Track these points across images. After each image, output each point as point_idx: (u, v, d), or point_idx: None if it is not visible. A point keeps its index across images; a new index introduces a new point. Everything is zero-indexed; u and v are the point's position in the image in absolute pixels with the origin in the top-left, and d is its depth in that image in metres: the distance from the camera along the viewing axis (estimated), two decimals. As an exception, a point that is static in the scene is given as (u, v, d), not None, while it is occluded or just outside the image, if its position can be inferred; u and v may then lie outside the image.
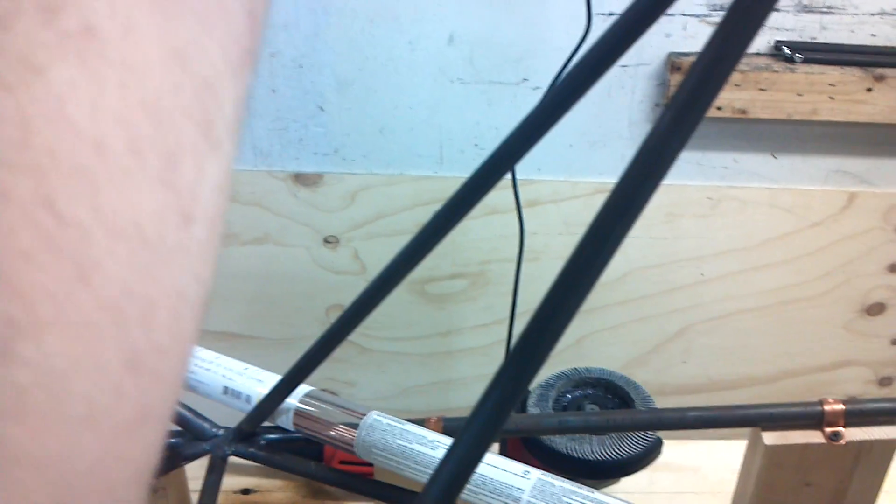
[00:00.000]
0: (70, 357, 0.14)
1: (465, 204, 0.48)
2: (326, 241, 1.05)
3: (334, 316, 1.07)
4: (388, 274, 0.52)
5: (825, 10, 0.95)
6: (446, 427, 0.57)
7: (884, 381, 1.15)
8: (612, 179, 1.11)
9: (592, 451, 0.61)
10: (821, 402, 0.54)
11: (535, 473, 0.49)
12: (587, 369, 0.67)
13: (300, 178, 1.02)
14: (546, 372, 0.70)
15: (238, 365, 0.60)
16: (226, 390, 0.59)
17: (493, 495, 0.49)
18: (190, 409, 0.61)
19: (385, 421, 0.54)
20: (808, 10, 0.95)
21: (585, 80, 0.42)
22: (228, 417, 0.61)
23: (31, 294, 0.13)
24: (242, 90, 0.18)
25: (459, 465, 0.34)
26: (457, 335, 1.11)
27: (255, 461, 0.60)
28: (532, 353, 0.39)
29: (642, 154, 0.37)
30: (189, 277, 0.16)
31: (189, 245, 0.16)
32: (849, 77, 0.93)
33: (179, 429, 0.61)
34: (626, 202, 0.35)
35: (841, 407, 0.53)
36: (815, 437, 0.53)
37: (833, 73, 0.93)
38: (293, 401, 0.57)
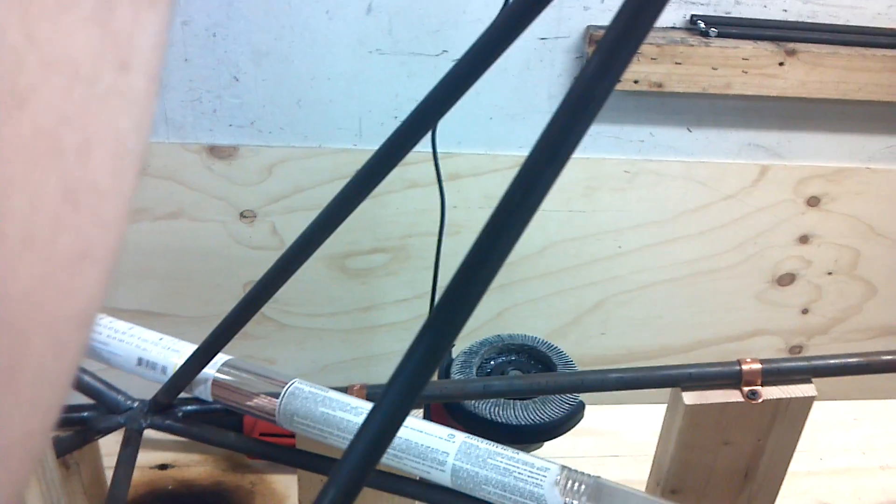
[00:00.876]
0: (5, 178, 0.14)
1: (380, 172, 0.48)
2: (243, 215, 1.02)
3: (252, 292, 1.05)
4: (303, 241, 0.51)
5: (739, -15, 0.97)
6: (370, 394, 0.56)
7: (794, 350, 1.18)
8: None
9: (516, 416, 0.61)
10: (739, 362, 0.56)
11: (460, 436, 0.49)
12: (510, 336, 0.67)
13: (215, 151, 0.99)
14: (469, 341, 0.69)
15: (153, 335, 0.58)
16: (140, 361, 0.57)
17: (418, 459, 0.49)
18: (102, 381, 0.59)
19: (307, 389, 0.53)
20: (722, -15, 0.96)
21: (498, 45, 0.41)
22: (144, 389, 0.59)
23: None
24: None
25: (382, 427, 0.33)
26: (378, 310, 1.10)
27: (172, 433, 0.58)
28: (454, 311, 0.38)
29: (551, 129, 0.37)
30: (127, 123, 0.16)
31: (127, 91, 0.16)
32: (762, 51, 0.95)
33: (92, 402, 0.59)
34: (550, 152, 0.35)
35: (758, 366, 0.55)
36: (733, 395, 0.55)
37: (746, 48, 0.95)
38: (211, 370, 0.56)
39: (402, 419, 0.33)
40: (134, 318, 1.05)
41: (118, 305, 1.03)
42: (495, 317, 1.10)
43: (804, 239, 1.10)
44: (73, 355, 0.17)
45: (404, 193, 1.03)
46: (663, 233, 1.08)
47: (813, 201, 1.08)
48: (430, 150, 0.95)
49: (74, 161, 0.15)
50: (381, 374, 1.19)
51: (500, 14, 0.39)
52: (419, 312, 1.09)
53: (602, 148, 1.03)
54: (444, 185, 0.97)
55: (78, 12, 0.14)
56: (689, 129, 1.03)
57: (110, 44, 0.15)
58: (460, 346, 0.68)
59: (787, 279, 1.13)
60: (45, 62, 0.14)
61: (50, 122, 0.14)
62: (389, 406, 0.35)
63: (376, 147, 1.07)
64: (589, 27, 0.96)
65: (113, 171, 0.16)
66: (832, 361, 0.56)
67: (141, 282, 1.04)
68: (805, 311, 1.16)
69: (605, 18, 0.96)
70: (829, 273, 1.13)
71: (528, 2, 0.40)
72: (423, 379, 0.36)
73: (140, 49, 0.16)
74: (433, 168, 0.95)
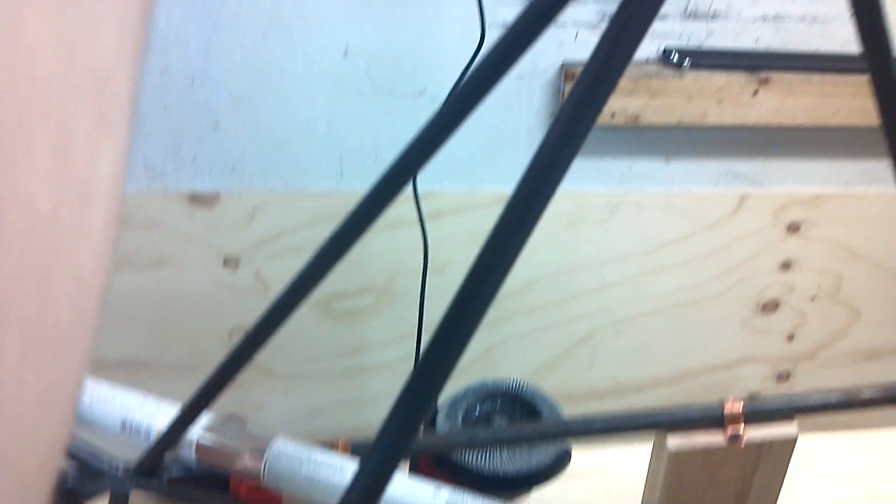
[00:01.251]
0: None
1: (366, 218, 0.48)
2: (226, 261, 1.02)
3: (237, 338, 1.04)
4: (289, 293, 0.51)
5: (710, 16, 0.98)
6: (355, 449, 0.56)
7: (781, 377, 1.19)
8: (512, 186, 1.10)
9: (503, 465, 0.61)
10: (721, 404, 0.56)
11: (446, 492, 0.49)
12: (494, 382, 0.67)
13: (196, 198, 0.99)
14: (455, 384, 0.69)
15: (136, 397, 0.58)
16: (124, 424, 0.57)
17: (404, 518, 0.49)
18: (86, 445, 0.59)
19: (291, 448, 0.53)
20: (693, 17, 0.97)
21: (480, 90, 0.42)
22: (130, 448, 0.59)
23: None
24: (137, 72, 0.18)
25: (367, 487, 0.33)
26: (365, 351, 1.09)
27: (158, 496, 0.58)
28: (433, 373, 0.38)
29: (534, 166, 0.37)
30: (88, 258, 0.17)
31: (86, 228, 0.16)
32: (735, 81, 0.96)
33: (76, 466, 0.59)
34: (522, 211, 0.35)
35: (740, 408, 0.55)
36: (716, 438, 0.55)
37: (720, 78, 0.96)
38: (195, 431, 0.55)
39: (387, 480, 0.33)
40: (119, 369, 1.05)
41: (103, 356, 1.02)
42: (484, 353, 1.10)
43: (786, 265, 1.11)
44: (41, 493, 0.17)
45: (388, 233, 1.03)
46: (647, 264, 1.09)
47: (793, 227, 1.09)
48: (412, 189, 0.95)
49: (36, 306, 0.15)
50: (371, 416, 1.19)
51: (482, 58, 0.40)
52: (406, 352, 1.09)
53: (583, 181, 1.04)
54: (427, 223, 0.98)
55: (36, 158, 0.14)
56: (666, 161, 1.04)
57: (69, 183, 0.15)
58: (446, 391, 0.68)
59: (771, 306, 1.14)
60: (2, 215, 0.14)
61: (10, 270, 0.14)
62: (374, 467, 0.35)
63: (358, 188, 1.08)
64: (564, 63, 0.97)
65: (75, 310, 0.16)
66: (813, 400, 0.56)
67: (126, 332, 1.04)
68: (791, 338, 1.16)
69: (578, 53, 0.96)
70: (813, 298, 1.14)
71: (510, 45, 0.40)
72: (406, 441, 0.36)
73: (99, 181, 0.16)
74: (415, 207, 0.96)
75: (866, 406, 0.56)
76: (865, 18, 0.40)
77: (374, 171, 1.01)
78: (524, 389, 0.67)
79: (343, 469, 0.51)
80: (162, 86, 0.95)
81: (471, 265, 0.37)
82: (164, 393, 0.61)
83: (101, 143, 0.16)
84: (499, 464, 0.60)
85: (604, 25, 0.96)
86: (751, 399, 0.56)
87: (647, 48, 0.99)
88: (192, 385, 0.55)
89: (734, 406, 0.55)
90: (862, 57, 0.43)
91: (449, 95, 0.93)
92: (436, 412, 0.65)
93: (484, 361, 1.10)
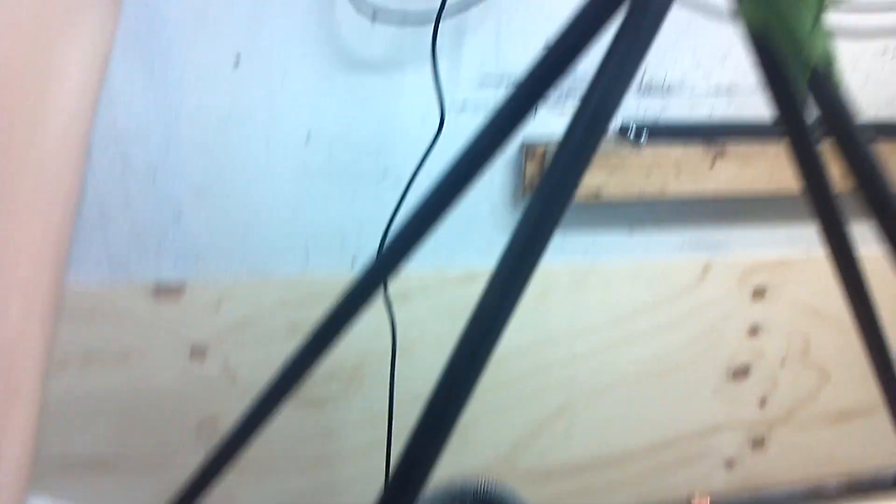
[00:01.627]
0: None
1: (345, 317, 0.48)
2: (193, 352, 1.01)
3: (206, 430, 1.03)
4: (259, 407, 0.51)
5: (665, 90, 0.99)
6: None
7: (756, 443, 1.18)
8: (478, 264, 1.09)
9: (472, 573, 0.60)
10: (687, 502, 0.55)
11: None
12: (462, 484, 0.67)
13: (161, 289, 0.99)
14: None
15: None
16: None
17: None
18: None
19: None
20: (648, 91, 0.99)
21: (458, 184, 0.42)
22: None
23: None
24: (50, 330, 0.17)
25: None
26: (336, 437, 1.08)
27: None
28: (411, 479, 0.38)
29: (512, 248, 0.37)
30: None
31: None
32: (692, 153, 0.97)
33: None
34: (501, 294, 0.35)
35: (706, 507, 0.55)
36: (685, 539, 0.54)
37: (677, 150, 0.97)
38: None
39: None
40: (87, 469, 1.03)
41: (69, 453, 1.00)
42: (460, 430, 1.09)
43: (754, 330, 1.12)
44: None
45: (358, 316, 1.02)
46: (615, 334, 1.09)
47: (758, 292, 1.09)
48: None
49: None
50: (343, 501, 1.17)
51: (457, 155, 0.40)
52: (379, 435, 1.07)
53: (549, 255, 1.04)
54: (395, 304, 0.98)
55: None
56: (629, 232, 1.05)
57: None
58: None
59: (741, 372, 1.14)
60: None
61: None
62: None
63: (324, 271, 1.07)
64: (524, 142, 0.98)
65: None
66: (779, 496, 0.56)
67: (91, 428, 1.02)
68: (763, 403, 1.16)
69: (538, 132, 0.97)
70: (783, 362, 1.14)
71: (485, 141, 0.41)
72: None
73: (6, 461, 0.16)
74: (383, 289, 0.96)
75: (832, 499, 0.56)
76: (778, 90, 0.41)
77: (340, 253, 1.01)
78: (492, 491, 0.66)
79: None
80: (124, 179, 0.95)
81: (450, 354, 0.36)
82: (131, 490, 0.60)
83: (10, 420, 0.16)
84: (468, 572, 0.60)
85: (563, 104, 0.98)
86: (716, 496, 0.56)
87: (605, 123, 1.00)
88: (160, 482, 0.54)
89: (701, 505, 0.55)
90: (777, 124, 0.44)
91: (412, 178, 0.94)
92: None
93: (459, 439, 1.09)
